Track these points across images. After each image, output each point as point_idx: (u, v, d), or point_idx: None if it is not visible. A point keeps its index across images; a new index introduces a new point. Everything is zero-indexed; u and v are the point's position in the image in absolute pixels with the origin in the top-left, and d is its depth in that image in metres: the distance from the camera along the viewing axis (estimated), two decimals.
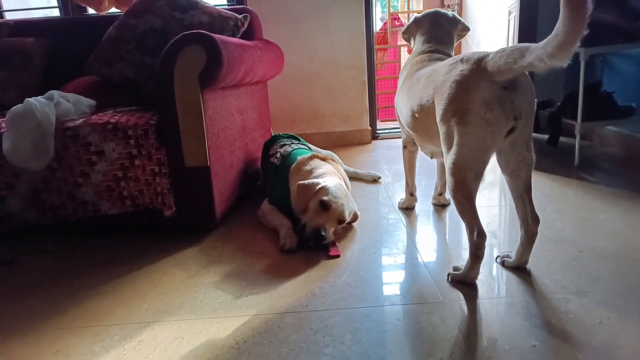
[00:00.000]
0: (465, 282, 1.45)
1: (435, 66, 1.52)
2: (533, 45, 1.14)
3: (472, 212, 1.37)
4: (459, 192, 1.37)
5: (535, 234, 1.46)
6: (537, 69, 1.14)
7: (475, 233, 1.37)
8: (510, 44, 3.17)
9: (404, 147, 2.08)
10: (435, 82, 1.43)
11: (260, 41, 2.58)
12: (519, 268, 1.52)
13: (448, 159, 1.37)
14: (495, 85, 1.27)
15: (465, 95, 1.30)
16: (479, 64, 1.29)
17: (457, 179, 1.36)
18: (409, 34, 2.04)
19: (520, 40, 2.61)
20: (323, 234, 1.74)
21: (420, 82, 1.59)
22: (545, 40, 1.09)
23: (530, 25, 2.56)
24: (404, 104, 1.74)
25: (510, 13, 3.17)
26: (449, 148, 1.36)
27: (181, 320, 1.36)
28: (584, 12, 1.00)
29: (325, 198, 1.79)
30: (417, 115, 1.60)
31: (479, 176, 1.35)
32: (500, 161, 1.44)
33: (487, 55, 1.29)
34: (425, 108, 1.52)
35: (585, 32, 1.01)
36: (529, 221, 1.45)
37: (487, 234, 1.39)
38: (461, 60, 1.35)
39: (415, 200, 2.17)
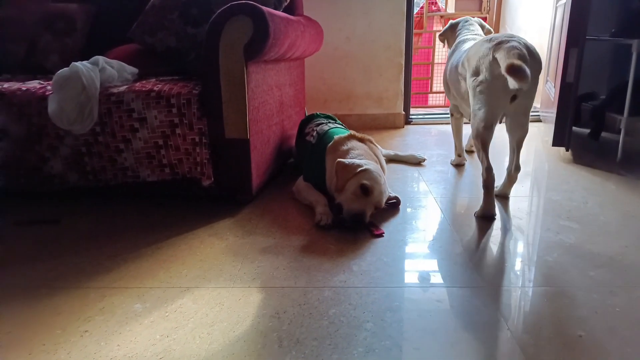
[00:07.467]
0: (485, 216, 1.83)
1: (473, 42, 2.05)
2: None
3: (484, 152, 1.84)
4: (477, 138, 1.86)
5: (515, 178, 2.01)
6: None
7: (484, 168, 1.82)
8: (557, 34, 3.07)
9: (451, 114, 2.55)
10: (468, 54, 1.92)
11: (303, 17, 2.55)
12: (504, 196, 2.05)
13: (472, 115, 1.88)
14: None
15: (485, 69, 1.76)
16: (498, 45, 1.71)
17: (477, 128, 1.85)
18: (445, 36, 2.58)
19: (570, 30, 2.52)
20: (364, 220, 1.74)
21: (459, 53, 2.12)
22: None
23: (583, 13, 2.46)
24: (452, 71, 2.22)
25: (557, 0, 3.06)
26: (473, 107, 1.86)
27: (221, 287, 1.37)
28: None
29: (367, 182, 1.76)
30: (458, 79, 2.09)
31: (490, 127, 1.82)
32: (506, 122, 1.96)
33: (508, 40, 1.71)
34: (462, 74, 2.00)
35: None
36: (512, 169, 1.99)
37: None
38: (488, 40, 1.78)
39: (465, 159, 2.60)
